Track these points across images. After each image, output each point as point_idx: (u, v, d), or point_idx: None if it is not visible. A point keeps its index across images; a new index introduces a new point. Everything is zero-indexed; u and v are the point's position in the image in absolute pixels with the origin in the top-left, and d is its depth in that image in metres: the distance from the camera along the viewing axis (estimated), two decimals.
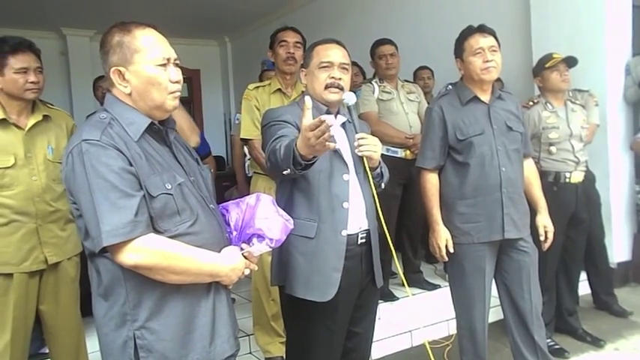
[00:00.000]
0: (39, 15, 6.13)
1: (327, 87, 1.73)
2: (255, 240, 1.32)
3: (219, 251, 1.28)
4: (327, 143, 1.37)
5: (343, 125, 1.80)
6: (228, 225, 1.37)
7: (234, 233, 1.36)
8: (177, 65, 1.29)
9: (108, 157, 1.15)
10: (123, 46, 1.23)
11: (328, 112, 1.77)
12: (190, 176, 1.31)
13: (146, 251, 1.14)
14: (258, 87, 2.71)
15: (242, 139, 2.77)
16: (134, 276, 1.18)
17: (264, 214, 1.32)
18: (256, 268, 1.37)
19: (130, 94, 1.25)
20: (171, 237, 1.20)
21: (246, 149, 3.46)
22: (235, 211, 1.37)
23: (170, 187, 1.21)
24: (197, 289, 1.24)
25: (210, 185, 1.39)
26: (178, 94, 1.29)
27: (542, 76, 2.86)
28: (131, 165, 1.17)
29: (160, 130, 1.29)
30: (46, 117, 2.09)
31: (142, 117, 1.25)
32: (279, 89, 2.64)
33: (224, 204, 1.41)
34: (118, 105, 1.26)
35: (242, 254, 1.32)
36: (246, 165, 3.54)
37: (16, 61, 1.96)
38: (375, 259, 1.79)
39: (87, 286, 3.01)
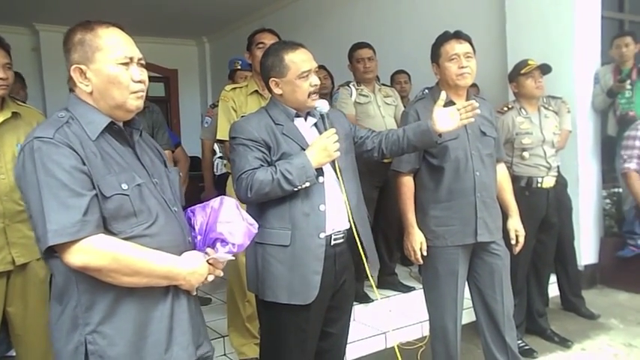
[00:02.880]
0: (10, 10, 5.96)
1: (309, 95, 1.74)
2: (218, 245, 1.28)
3: (180, 254, 1.25)
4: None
5: (316, 125, 1.81)
6: (194, 229, 1.34)
7: (199, 237, 1.32)
8: (142, 65, 1.27)
9: (59, 155, 1.13)
10: (84, 43, 1.22)
11: (297, 116, 1.78)
12: (154, 178, 1.29)
13: (94, 252, 1.11)
14: (235, 88, 2.69)
15: (218, 140, 2.75)
16: (86, 278, 1.15)
17: (226, 218, 1.29)
18: (221, 274, 1.34)
19: (91, 93, 1.24)
20: (125, 239, 1.17)
21: (217, 148, 3.46)
22: (201, 215, 1.34)
23: (127, 187, 1.19)
24: (153, 293, 1.21)
25: (177, 187, 1.38)
26: (142, 94, 1.27)
27: (517, 81, 2.93)
28: (84, 164, 1.15)
29: (121, 130, 1.28)
30: (15, 114, 2.04)
31: (102, 116, 1.23)
32: (256, 91, 2.63)
33: (191, 207, 1.38)
34: (80, 105, 1.25)
35: (207, 260, 1.29)
36: (216, 164, 3.53)
37: None
38: (356, 256, 1.79)
39: None
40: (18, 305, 2.04)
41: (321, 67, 4.04)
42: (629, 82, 3.69)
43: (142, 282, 1.18)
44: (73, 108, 1.24)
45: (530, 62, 2.90)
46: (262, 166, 1.68)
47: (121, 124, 1.29)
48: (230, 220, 1.29)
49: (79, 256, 1.11)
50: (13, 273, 2.00)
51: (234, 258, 1.32)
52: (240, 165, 1.69)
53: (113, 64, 1.21)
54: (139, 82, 1.25)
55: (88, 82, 1.23)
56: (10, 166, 1.98)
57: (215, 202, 1.34)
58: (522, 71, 2.88)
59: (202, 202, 1.41)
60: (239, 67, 3.62)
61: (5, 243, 1.95)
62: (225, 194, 2.66)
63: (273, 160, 1.70)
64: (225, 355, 2.79)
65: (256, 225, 1.35)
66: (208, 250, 1.30)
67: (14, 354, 2.22)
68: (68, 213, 1.10)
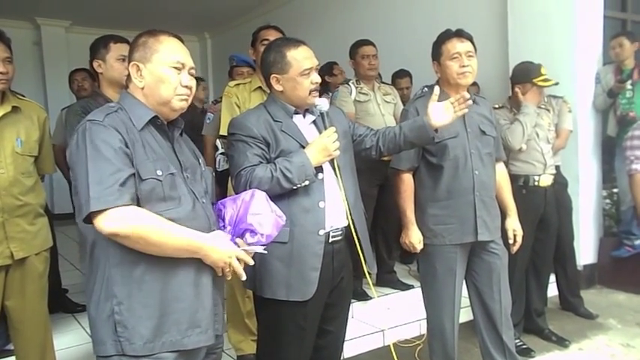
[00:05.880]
0: (12, 4, 5.96)
1: (310, 92, 1.75)
2: (247, 235, 1.37)
3: None
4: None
5: (314, 123, 1.81)
6: (224, 220, 1.42)
7: (228, 228, 1.40)
8: (192, 74, 1.41)
9: (107, 135, 1.26)
10: (146, 45, 1.38)
11: (296, 113, 1.78)
12: (186, 172, 1.39)
13: (125, 219, 1.21)
14: (238, 84, 2.69)
15: (221, 136, 2.76)
16: (117, 253, 1.26)
17: (256, 210, 1.39)
18: (251, 263, 1.42)
19: (142, 89, 1.38)
20: None
21: (219, 144, 3.45)
22: (231, 207, 1.43)
23: (161, 173, 1.31)
24: (179, 274, 1.31)
25: (209, 185, 1.49)
26: (186, 97, 1.40)
27: (524, 86, 2.82)
28: (127, 147, 1.27)
29: (163, 125, 1.40)
30: (15, 108, 2.04)
31: (149, 110, 1.37)
32: (260, 87, 2.62)
33: (222, 200, 1.47)
34: (129, 99, 1.39)
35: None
36: (218, 160, 3.53)
37: None
38: (355, 253, 1.79)
39: (54, 281, 2.93)
40: (16, 299, 2.04)
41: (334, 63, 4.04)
42: (630, 82, 3.68)
43: (167, 251, 1.27)
44: (124, 101, 1.39)
45: (543, 72, 2.81)
46: (261, 163, 1.68)
47: (164, 122, 1.41)
48: (260, 212, 1.39)
49: (110, 223, 1.21)
50: (12, 267, 2.01)
51: (265, 252, 1.41)
52: (239, 161, 1.70)
53: (166, 67, 1.37)
54: (186, 87, 1.39)
55: (142, 79, 1.37)
56: (10, 161, 1.98)
57: (247, 194, 1.43)
58: (536, 80, 2.79)
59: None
60: (234, 64, 3.62)
61: (4, 237, 1.95)
62: (226, 190, 2.66)
63: (272, 157, 1.70)
64: (223, 351, 2.79)
65: (284, 217, 1.45)
66: (238, 240, 1.38)
67: (12, 347, 2.23)
68: (108, 183, 1.22)
